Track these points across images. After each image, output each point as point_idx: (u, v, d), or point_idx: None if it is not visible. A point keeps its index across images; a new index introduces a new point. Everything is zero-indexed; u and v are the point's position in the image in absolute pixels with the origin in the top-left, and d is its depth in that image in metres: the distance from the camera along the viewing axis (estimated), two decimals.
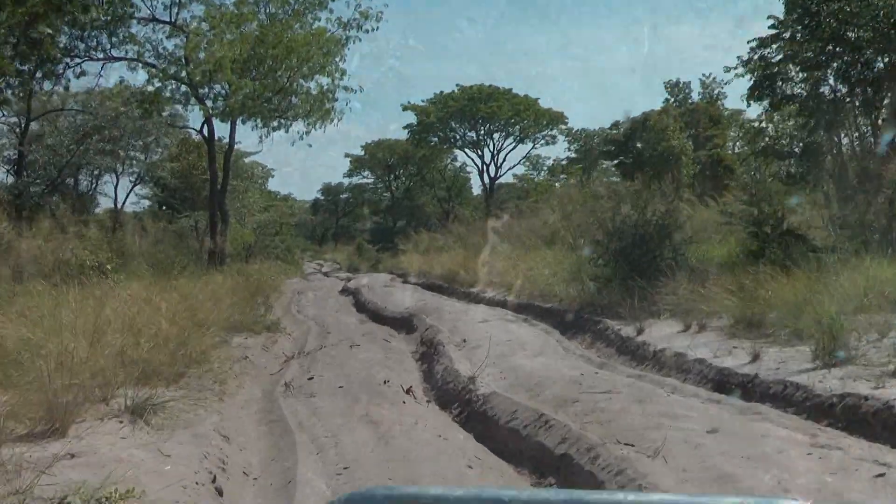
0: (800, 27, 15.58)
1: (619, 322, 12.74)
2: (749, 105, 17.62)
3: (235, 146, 29.21)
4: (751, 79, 16.81)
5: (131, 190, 38.57)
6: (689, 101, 38.19)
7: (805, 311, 9.91)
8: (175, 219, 33.79)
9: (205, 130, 27.29)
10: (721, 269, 13.88)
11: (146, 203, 41.46)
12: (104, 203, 37.98)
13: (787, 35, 15.93)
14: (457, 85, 46.72)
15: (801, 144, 18.29)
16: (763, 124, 19.86)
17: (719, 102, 38.64)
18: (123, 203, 37.93)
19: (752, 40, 16.44)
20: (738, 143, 40.04)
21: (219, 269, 23.37)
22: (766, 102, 17.16)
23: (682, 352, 10.03)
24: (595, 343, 12.63)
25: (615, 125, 39.93)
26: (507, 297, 17.98)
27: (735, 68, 16.88)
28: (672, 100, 37.74)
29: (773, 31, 16.04)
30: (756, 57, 16.54)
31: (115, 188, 37.17)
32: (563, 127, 46.95)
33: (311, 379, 10.50)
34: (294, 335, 15.46)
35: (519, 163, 50.25)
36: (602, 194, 21.07)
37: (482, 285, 20.47)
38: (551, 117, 45.95)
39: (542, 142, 47.88)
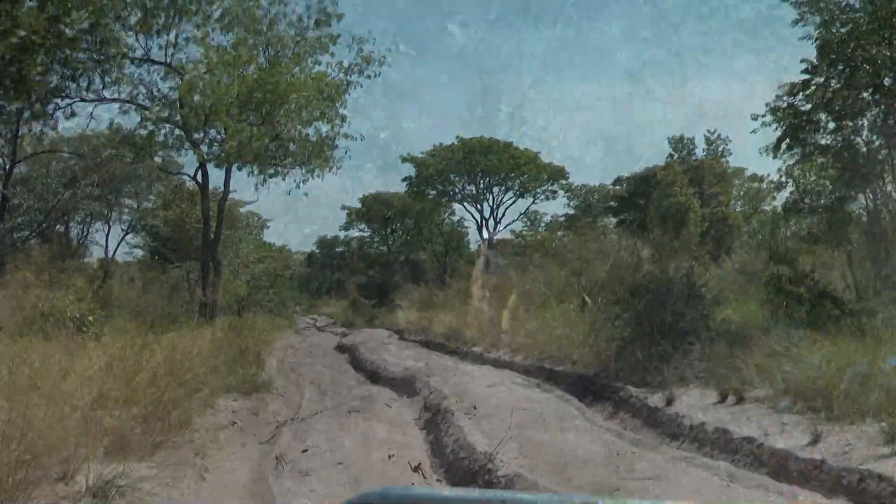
0: (834, 73, 14.55)
1: (644, 389, 11.52)
2: (774, 156, 16.56)
3: (231, 195, 28.08)
4: (777, 128, 15.80)
5: (122, 238, 37.38)
6: (693, 157, 37.20)
7: (865, 382, 8.75)
8: (167, 269, 32.56)
9: (199, 177, 26.16)
10: (751, 332, 12.71)
11: (139, 252, 40.23)
12: (97, 252, 36.82)
13: (820, 80, 14.89)
14: (456, 137, 45.78)
15: (822, 201, 17.22)
16: (783, 178, 18.80)
17: (724, 159, 37.66)
18: (114, 252, 36.72)
19: (783, 85, 15.47)
20: (740, 202, 39.15)
21: (209, 322, 22.10)
22: (787, 154, 16.08)
23: (725, 428, 8.78)
24: (618, 413, 11.37)
25: (618, 181, 38.95)
26: (514, 358, 16.71)
27: (763, 116, 15.87)
28: (676, 155, 36.76)
29: (806, 77, 15.00)
30: (784, 105, 15.53)
31: (107, 236, 35.99)
32: (564, 182, 45.95)
33: (305, 451, 9.24)
34: (287, 397, 14.17)
35: (518, 218, 49.04)
36: (617, 250, 19.88)
37: (486, 344, 19.20)
38: (552, 172, 44.94)
39: (543, 197, 46.81)
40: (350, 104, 26.11)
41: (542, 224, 51.41)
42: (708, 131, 39.66)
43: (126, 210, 34.79)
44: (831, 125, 15.39)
